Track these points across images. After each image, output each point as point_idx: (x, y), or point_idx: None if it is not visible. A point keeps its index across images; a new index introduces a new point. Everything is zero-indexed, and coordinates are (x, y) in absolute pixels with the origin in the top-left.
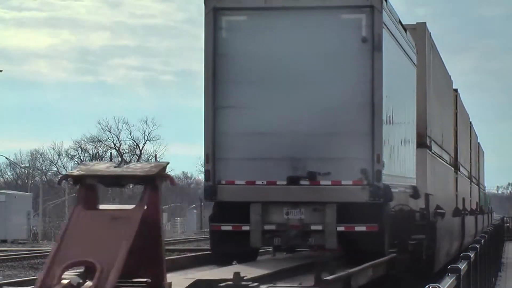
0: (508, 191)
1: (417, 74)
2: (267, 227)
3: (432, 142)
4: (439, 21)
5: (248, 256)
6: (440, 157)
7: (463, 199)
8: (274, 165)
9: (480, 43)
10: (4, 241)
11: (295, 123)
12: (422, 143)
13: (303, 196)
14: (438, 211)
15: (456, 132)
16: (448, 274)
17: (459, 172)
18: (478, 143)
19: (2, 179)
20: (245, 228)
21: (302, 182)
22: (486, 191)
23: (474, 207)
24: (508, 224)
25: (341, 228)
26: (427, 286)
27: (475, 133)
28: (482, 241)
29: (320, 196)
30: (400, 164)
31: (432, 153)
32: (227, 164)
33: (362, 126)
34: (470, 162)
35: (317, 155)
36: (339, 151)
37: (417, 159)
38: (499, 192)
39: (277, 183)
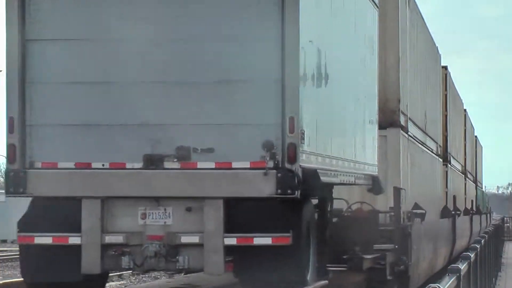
0: (508, 191)
1: (388, 29)
2: (110, 238)
3: (410, 122)
4: (439, 21)
5: (94, 283)
6: (422, 143)
7: (454, 197)
8: (121, 135)
9: (480, 43)
10: (4, 241)
11: (154, 66)
12: (393, 121)
13: (170, 187)
14: (416, 211)
15: (446, 117)
16: (448, 274)
17: (449, 165)
18: (476, 136)
19: (2, 179)
20: (74, 240)
21: (167, 164)
22: (486, 190)
23: (469, 206)
24: (508, 224)
25: (231, 241)
26: (427, 286)
27: (471, 123)
28: (482, 241)
29: (197, 188)
30: (347, 142)
31: (409, 136)
32: (44, 135)
33: (266, 70)
34: (465, 155)
35: (193, 119)
36: (229, 113)
37: (385, 141)
38: (499, 192)
39: (127, 165)
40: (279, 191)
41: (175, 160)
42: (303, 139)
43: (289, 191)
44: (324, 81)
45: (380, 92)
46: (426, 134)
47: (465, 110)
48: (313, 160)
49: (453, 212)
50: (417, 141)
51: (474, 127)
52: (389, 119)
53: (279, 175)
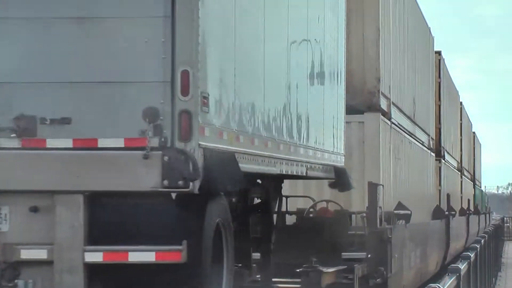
0: (508, 191)
1: None
2: None
3: (394, 107)
4: (438, 19)
5: None
6: (410, 134)
7: (448, 196)
8: None
9: (479, 43)
10: None
11: None
12: (371, 104)
13: (5, 176)
14: (399, 211)
15: (439, 107)
16: (448, 274)
17: (443, 161)
18: (473, 132)
19: None
20: None
21: (2, 141)
22: (486, 191)
23: (466, 206)
24: (508, 224)
25: (95, 256)
26: (427, 286)
27: (468, 118)
28: (482, 241)
29: (45, 177)
30: (293, 121)
31: (392, 123)
32: None
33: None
34: (461, 151)
35: (39, 74)
36: (93, 66)
37: (362, 128)
38: (499, 192)
39: None
40: (165, 182)
41: (13, 135)
42: (206, 106)
43: (180, 182)
44: (248, 27)
45: (356, 70)
46: (415, 123)
47: (461, 103)
48: (228, 139)
49: (446, 213)
50: (403, 130)
51: (475, 127)
52: (367, 102)
53: (165, 158)
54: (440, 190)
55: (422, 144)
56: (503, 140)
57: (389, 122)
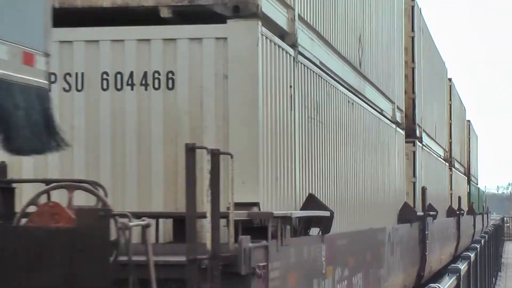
0: (508, 191)
1: None
2: None
3: (304, 28)
4: (438, 15)
5: None
6: (351, 89)
7: (423, 190)
8: None
9: (479, 38)
10: None
11: None
12: (241, 2)
13: None
14: (299, 213)
15: (413, 71)
16: (448, 274)
17: (419, 144)
18: (468, 121)
19: None
20: None
21: None
22: (486, 191)
23: (456, 205)
24: (508, 224)
25: None
26: (427, 286)
27: (461, 100)
28: (482, 241)
29: None
30: None
31: (303, 56)
32: None
33: None
34: (450, 137)
35: None
36: None
37: (220, 47)
38: (499, 192)
39: None
40: None
41: None
42: None
43: None
44: None
45: None
46: (364, 77)
47: (450, 79)
48: None
49: (421, 214)
50: (332, 76)
51: (475, 126)
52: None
53: None
54: (414, 183)
55: (381, 113)
56: (503, 139)
57: (291, 51)
